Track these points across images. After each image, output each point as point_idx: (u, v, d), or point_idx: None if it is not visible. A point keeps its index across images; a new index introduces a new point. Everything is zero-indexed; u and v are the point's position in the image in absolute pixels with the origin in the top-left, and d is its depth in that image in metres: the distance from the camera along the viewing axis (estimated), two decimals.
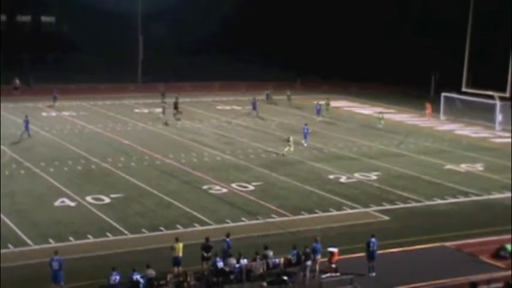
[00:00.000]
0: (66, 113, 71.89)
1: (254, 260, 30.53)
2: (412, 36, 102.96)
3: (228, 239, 31.70)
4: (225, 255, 30.81)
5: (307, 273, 30.36)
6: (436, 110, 77.25)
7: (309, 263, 30.41)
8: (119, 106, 78.43)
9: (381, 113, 72.74)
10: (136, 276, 28.02)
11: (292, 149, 56.13)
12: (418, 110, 79.88)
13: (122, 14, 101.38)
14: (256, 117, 72.59)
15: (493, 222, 39.45)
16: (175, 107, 71.00)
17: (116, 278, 28.04)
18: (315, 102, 75.71)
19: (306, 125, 60.74)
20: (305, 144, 58.93)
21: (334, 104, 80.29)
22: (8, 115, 69.01)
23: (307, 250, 30.67)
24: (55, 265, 28.36)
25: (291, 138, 56.41)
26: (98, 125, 66.00)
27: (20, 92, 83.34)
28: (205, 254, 30.95)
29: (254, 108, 74.02)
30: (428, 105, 77.32)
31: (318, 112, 71.97)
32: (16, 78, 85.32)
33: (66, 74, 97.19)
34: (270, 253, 31.19)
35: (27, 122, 59.55)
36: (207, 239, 31.47)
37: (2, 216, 37.96)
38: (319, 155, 56.17)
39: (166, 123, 67.46)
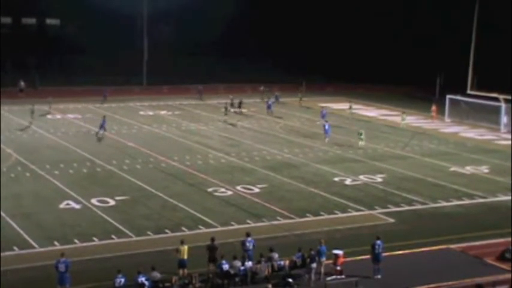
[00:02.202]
0: (71, 116, 71.99)
1: (259, 262, 30.54)
2: (418, 38, 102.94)
3: (249, 239, 31.71)
4: (249, 256, 30.94)
5: (313, 276, 30.38)
6: (441, 112, 77.22)
7: (314, 265, 30.41)
8: (124, 108, 78.52)
9: (404, 112, 72.81)
10: (142, 279, 28.05)
11: (364, 143, 59.23)
12: (423, 112, 79.88)
13: (127, 16, 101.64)
14: (270, 116, 74.70)
15: (498, 224, 39.40)
16: (240, 106, 75.32)
17: (121, 280, 28.09)
18: (321, 105, 75.97)
19: (326, 121, 63.87)
20: (327, 140, 61.36)
21: (338, 106, 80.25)
22: (13, 117, 69.21)
23: (312, 252, 30.67)
24: (61, 267, 28.37)
25: (363, 132, 60.00)
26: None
27: (25, 94, 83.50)
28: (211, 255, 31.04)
29: (269, 108, 76.64)
30: (434, 107, 77.33)
31: (323, 116, 71.64)
32: (21, 81, 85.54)
33: (71, 76, 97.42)
34: (276, 255, 31.21)
35: (104, 122, 61.31)
36: (212, 240, 31.52)
37: (7, 218, 38.04)
38: (324, 157, 56.17)
39: (232, 124, 69.10)
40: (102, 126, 61.44)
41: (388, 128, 70.13)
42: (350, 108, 77.58)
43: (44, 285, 29.66)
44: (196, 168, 51.07)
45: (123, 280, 28.17)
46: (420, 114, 79.36)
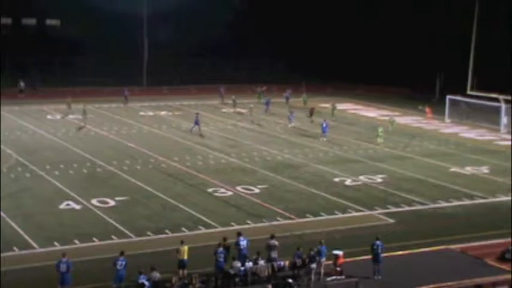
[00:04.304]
0: (71, 116, 71.97)
1: (256, 259, 30.54)
2: (418, 38, 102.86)
3: (241, 238, 31.80)
4: (243, 255, 31.09)
5: (312, 276, 30.36)
6: (441, 112, 77.20)
7: (313, 265, 30.41)
8: (124, 109, 78.52)
9: (391, 117, 72.55)
10: (142, 280, 28.07)
11: (382, 140, 60.81)
12: (423, 112, 79.83)
13: (127, 17, 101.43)
14: (268, 113, 75.97)
15: (498, 224, 39.42)
16: (311, 113, 73.26)
17: (122, 263, 28.94)
18: (321, 105, 76.19)
19: (324, 120, 64.88)
20: (324, 139, 62.21)
21: (339, 106, 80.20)
22: (13, 118, 69.28)
23: (312, 252, 30.68)
24: (63, 267, 28.43)
25: (380, 130, 61.73)
26: (103, 128, 66.08)
27: (25, 95, 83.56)
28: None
29: (267, 105, 77.95)
30: (428, 108, 77.20)
31: (290, 119, 70.71)
32: (21, 81, 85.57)
33: (71, 77, 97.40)
34: (276, 243, 31.51)
35: (197, 119, 64.02)
36: (224, 239, 31.73)
37: (7, 219, 38.06)
38: (324, 157, 56.18)
39: (259, 124, 69.99)
40: (196, 123, 63.70)
41: (393, 129, 69.90)
42: (333, 108, 76.48)
43: (44, 285, 29.68)
44: (196, 168, 51.08)
45: (124, 263, 28.91)
46: (420, 115, 79.31)
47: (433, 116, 76.98)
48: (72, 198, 42.35)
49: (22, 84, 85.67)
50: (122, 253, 29.41)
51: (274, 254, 31.28)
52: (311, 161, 54.71)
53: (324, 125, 63.32)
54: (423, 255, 34.72)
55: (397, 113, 78.22)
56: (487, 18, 76.95)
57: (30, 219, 38.43)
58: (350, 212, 41.65)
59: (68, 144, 58.31)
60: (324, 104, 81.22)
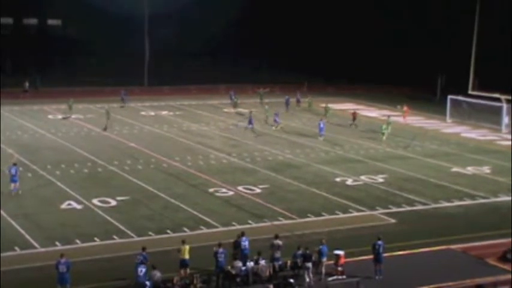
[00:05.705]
0: (72, 116, 71.94)
1: (258, 259, 30.53)
2: (419, 38, 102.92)
3: (244, 238, 31.87)
4: (245, 255, 31.16)
5: (310, 275, 30.26)
6: (442, 112, 77.17)
7: (309, 264, 30.32)
8: (125, 109, 78.47)
9: (388, 116, 72.01)
10: (141, 268, 28.55)
11: (385, 137, 61.74)
12: (424, 112, 79.85)
13: (129, 17, 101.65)
14: (286, 113, 76.00)
15: (499, 224, 39.38)
16: (354, 117, 71.11)
17: (140, 257, 29.62)
18: (322, 105, 76.32)
19: (321, 120, 65.14)
20: (321, 138, 62.28)
21: (339, 106, 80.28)
22: (14, 117, 69.30)
23: (308, 251, 30.63)
24: (62, 268, 28.39)
25: (384, 127, 62.86)
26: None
27: (28, 95, 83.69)
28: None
29: (287, 103, 78.61)
30: (405, 107, 77.09)
31: (276, 121, 70.33)
32: (26, 81, 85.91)
33: (72, 76, 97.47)
34: (280, 242, 31.59)
35: (251, 118, 65.57)
36: (239, 236, 31.84)
37: (8, 218, 38.07)
38: (326, 157, 56.15)
39: (271, 125, 69.27)
40: (250, 122, 64.97)
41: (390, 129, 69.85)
42: (326, 109, 75.99)
43: (44, 285, 29.64)
44: (197, 168, 51.07)
45: (141, 258, 29.58)
46: (421, 115, 79.30)
47: (410, 113, 76.64)
48: (74, 198, 42.35)
49: (27, 84, 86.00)
50: (142, 249, 30.11)
51: (277, 254, 31.31)
52: (312, 161, 54.69)
53: (321, 125, 63.27)
54: (424, 255, 34.70)
55: (397, 113, 78.06)
56: (489, 17, 76.86)
57: (31, 219, 38.43)
58: (351, 212, 41.62)
59: (69, 144, 58.31)
60: (323, 104, 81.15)
